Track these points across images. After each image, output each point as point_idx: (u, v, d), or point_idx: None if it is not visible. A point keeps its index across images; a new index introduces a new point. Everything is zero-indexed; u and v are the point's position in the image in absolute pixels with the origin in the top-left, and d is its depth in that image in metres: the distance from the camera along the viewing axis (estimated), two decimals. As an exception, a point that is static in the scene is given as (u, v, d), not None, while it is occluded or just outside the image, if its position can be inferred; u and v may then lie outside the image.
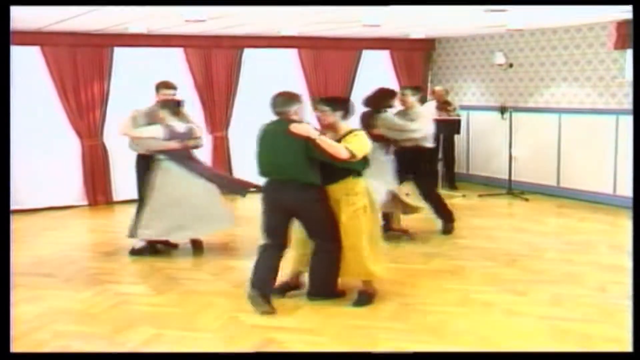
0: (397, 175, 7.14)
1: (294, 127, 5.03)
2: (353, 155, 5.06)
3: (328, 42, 10.86)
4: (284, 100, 5.20)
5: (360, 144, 5.16)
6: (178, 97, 7.02)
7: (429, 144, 7.49)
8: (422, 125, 7.28)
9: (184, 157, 6.73)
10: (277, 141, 5.13)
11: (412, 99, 7.45)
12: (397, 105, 7.45)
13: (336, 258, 5.26)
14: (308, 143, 5.00)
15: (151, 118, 6.74)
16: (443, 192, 10.26)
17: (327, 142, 5.02)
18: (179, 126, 6.75)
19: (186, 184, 6.65)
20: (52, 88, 9.33)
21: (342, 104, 5.40)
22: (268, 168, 5.21)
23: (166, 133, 6.63)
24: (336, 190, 5.21)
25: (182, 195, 6.61)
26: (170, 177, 6.65)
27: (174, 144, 6.65)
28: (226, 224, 6.99)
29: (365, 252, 5.23)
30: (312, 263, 5.39)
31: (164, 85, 6.97)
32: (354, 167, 5.20)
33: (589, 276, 6.09)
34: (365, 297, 5.40)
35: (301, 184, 5.08)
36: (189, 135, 6.81)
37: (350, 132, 5.25)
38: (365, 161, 5.27)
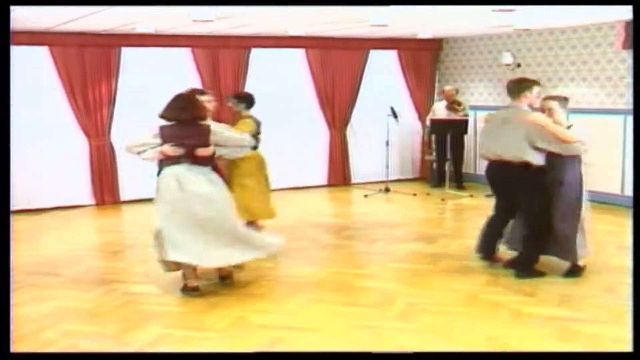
0: None
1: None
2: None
3: (335, 42, 10.86)
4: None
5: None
6: None
7: None
8: None
9: None
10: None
11: None
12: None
13: None
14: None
15: None
16: (450, 192, 10.31)
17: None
18: None
19: None
20: (60, 88, 9.36)
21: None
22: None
23: None
24: None
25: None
26: None
27: None
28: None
29: None
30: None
31: None
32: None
33: (597, 277, 6.06)
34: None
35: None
36: None
37: None
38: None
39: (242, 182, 6.81)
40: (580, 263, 6.07)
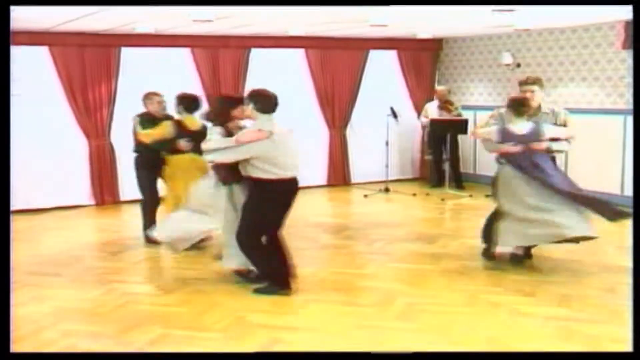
0: None
1: None
2: None
3: (335, 42, 10.86)
4: None
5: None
6: None
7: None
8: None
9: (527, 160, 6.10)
10: None
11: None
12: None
13: None
14: None
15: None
16: (450, 192, 10.31)
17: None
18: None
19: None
20: (60, 88, 9.36)
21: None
22: None
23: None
24: None
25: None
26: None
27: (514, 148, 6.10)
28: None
29: None
30: None
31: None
32: None
33: (597, 277, 6.07)
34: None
35: None
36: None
37: None
38: None
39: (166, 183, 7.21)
40: (497, 249, 6.50)
